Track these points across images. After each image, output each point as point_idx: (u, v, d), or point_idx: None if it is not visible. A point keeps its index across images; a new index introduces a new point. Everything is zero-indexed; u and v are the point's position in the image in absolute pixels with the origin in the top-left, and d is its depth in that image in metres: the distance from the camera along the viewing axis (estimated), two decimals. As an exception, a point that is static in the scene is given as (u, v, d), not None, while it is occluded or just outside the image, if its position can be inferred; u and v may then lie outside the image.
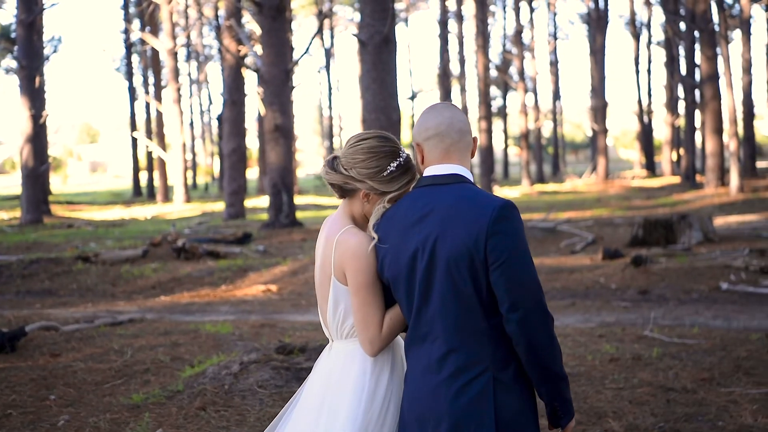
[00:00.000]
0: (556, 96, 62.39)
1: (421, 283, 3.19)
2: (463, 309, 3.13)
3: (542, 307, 3.09)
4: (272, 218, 23.23)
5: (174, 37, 37.66)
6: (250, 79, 42.34)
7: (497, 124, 65.19)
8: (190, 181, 59.00)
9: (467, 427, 3.11)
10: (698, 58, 38.54)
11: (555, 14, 59.40)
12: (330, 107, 60.24)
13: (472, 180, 3.33)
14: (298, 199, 34.71)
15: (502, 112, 63.86)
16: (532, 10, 53.48)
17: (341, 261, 3.35)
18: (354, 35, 16.28)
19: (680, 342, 9.07)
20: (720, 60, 34.30)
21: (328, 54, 56.02)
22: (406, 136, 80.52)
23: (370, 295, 3.32)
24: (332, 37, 56.58)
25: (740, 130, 41.72)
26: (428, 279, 3.18)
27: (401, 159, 3.41)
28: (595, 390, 7.26)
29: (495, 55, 58.34)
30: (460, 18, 45.45)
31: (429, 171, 3.32)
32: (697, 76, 39.65)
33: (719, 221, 22.23)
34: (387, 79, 16.06)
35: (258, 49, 26.87)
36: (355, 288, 3.33)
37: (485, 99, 35.94)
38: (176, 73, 37.67)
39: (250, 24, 39.25)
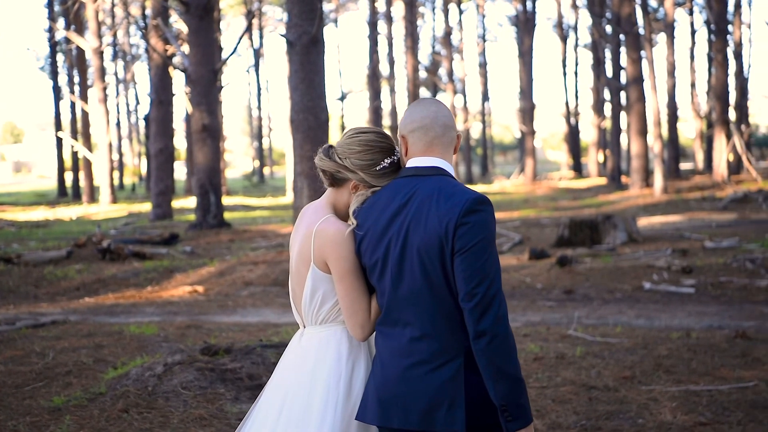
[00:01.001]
0: (485, 97, 62.79)
1: (393, 270, 3.26)
2: (434, 296, 3.20)
3: (497, 299, 3.12)
4: (200, 219, 23.06)
5: (100, 36, 37.16)
6: (178, 78, 41.94)
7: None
8: (116, 182, 58.24)
9: (440, 408, 3.17)
10: (624, 60, 39.10)
11: (484, 16, 59.75)
12: (259, 107, 59.99)
13: (453, 174, 3.41)
14: (226, 200, 34.49)
15: (432, 114, 64.09)
16: (461, 12, 53.81)
17: (321, 250, 3.41)
18: (282, 35, 16.22)
19: (603, 341, 9.20)
20: (645, 63, 34.83)
21: (257, 54, 55.81)
22: (335, 137, 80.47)
23: (354, 280, 3.40)
24: (261, 37, 56.39)
25: (664, 132, 42.43)
26: (400, 266, 3.25)
27: (395, 157, 3.49)
28: (519, 389, 7.31)
29: (424, 56, 58.61)
30: (389, 19, 45.52)
31: (411, 162, 3.40)
32: (623, 79, 40.22)
33: (643, 222, 22.56)
34: (315, 80, 16.02)
35: (185, 48, 26.62)
36: (339, 275, 3.40)
37: (414, 100, 36.06)
38: (102, 72, 37.16)
39: (178, 23, 38.89)
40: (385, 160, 3.46)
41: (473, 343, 3.12)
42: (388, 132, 3.62)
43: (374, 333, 3.48)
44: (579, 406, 6.87)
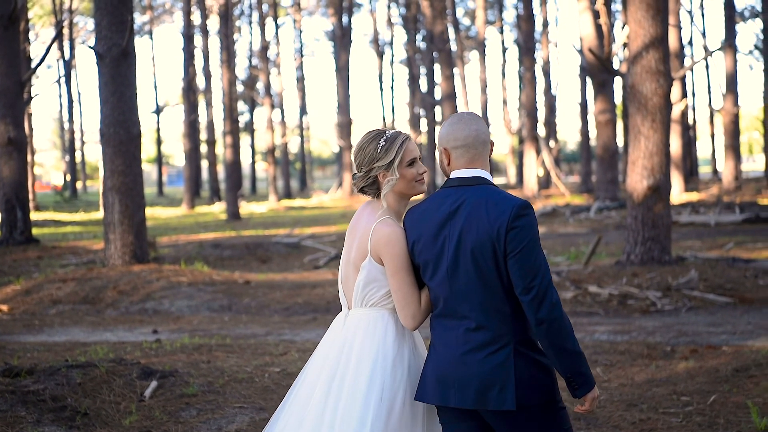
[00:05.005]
0: (303, 112, 63.00)
1: (449, 268, 3.73)
2: (487, 291, 3.67)
3: (551, 290, 3.59)
4: (5, 235, 22.19)
5: None
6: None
7: (245, 139, 65.04)
8: None
9: (492, 389, 3.63)
10: (438, 77, 39.92)
11: (301, 31, 59.96)
12: (71, 120, 58.27)
13: (492, 181, 3.89)
14: (34, 216, 33.35)
15: (249, 128, 63.84)
16: (277, 26, 53.74)
17: (377, 247, 3.89)
18: (91, 48, 15.83)
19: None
20: (458, 79, 35.65)
21: (68, 65, 54.24)
22: (151, 151, 79.04)
23: (406, 276, 3.86)
24: (72, 48, 54.82)
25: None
26: (455, 264, 3.72)
27: (386, 135, 3.98)
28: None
29: (241, 70, 58.30)
30: (205, 32, 45.03)
31: (456, 174, 3.86)
32: (438, 95, 41.05)
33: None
34: (126, 93, 15.71)
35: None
36: (393, 271, 3.87)
37: (231, 114, 35.77)
38: None
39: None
40: (380, 142, 3.95)
41: (536, 329, 3.60)
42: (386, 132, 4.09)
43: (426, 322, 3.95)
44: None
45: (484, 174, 3.85)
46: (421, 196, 4.26)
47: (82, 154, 68.10)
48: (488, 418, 3.72)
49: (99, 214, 39.06)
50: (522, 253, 3.59)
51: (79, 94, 63.07)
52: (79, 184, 67.24)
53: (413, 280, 3.88)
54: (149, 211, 35.59)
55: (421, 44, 49.69)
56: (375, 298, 3.96)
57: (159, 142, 60.66)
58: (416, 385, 3.87)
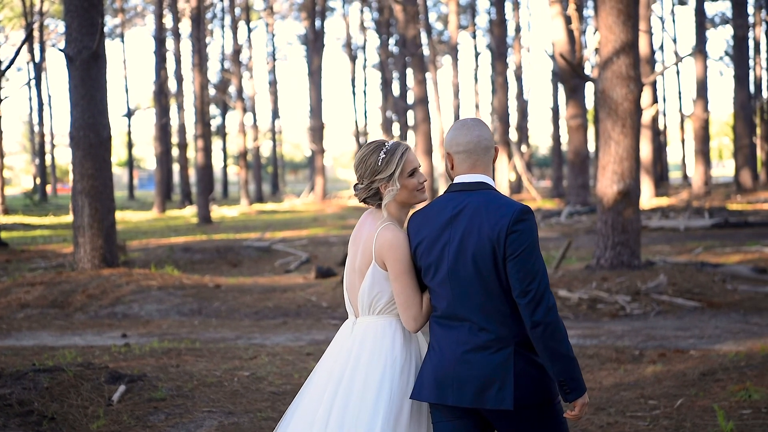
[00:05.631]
0: (276, 115, 62.83)
1: (450, 271, 3.82)
2: (488, 294, 3.77)
3: (547, 293, 3.70)
4: (-26, 239, 22.06)
5: None
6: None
7: (217, 143, 64.85)
8: None
9: (491, 388, 3.73)
10: (410, 81, 39.94)
11: (273, 35, 59.79)
12: (41, 123, 57.83)
13: (495, 186, 3.99)
14: (3, 219, 33.13)
15: (222, 131, 63.66)
16: (249, 30, 53.61)
17: (380, 252, 3.99)
18: (61, 50, 15.73)
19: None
20: (430, 84, 35.69)
21: (38, 68, 53.85)
22: (122, 154, 78.64)
23: (409, 280, 3.97)
24: (42, 50, 54.45)
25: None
26: (456, 267, 3.81)
27: (387, 146, 4.08)
28: (300, 408, 7.31)
29: (213, 74, 58.12)
30: (177, 35, 44.82)
31: (459, 179, 3.96)
32: (410, 99, 41.08)
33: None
34: (96, 96, 15.61)
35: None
36: (395, 275, 3.97)
37: (202, 117, 35.62)
38: None
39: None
40: (380, 154, 4.05)
41: (531, 332, 3.69)
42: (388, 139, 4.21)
43: (427, 324, 4.04)
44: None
45: (486, 179, 3.95)
46: (421, 204, 4.33)
47: (53, 158, 67.60)
48: (487, 415, 3.83)
49: (69, 218, 38.80)
50: (521, 257, 3.71)
51: (49, 96, 62.54)
52: (49, 188, 66.77)
53: (415, 284, 3.99)
54: (120, 215, 35.39)
55: (394, 48, 49.79)
56: (381, 305, 4.06)
57: (130, 145, 60.29)
58: None
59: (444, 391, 3.81)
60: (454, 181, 4.00)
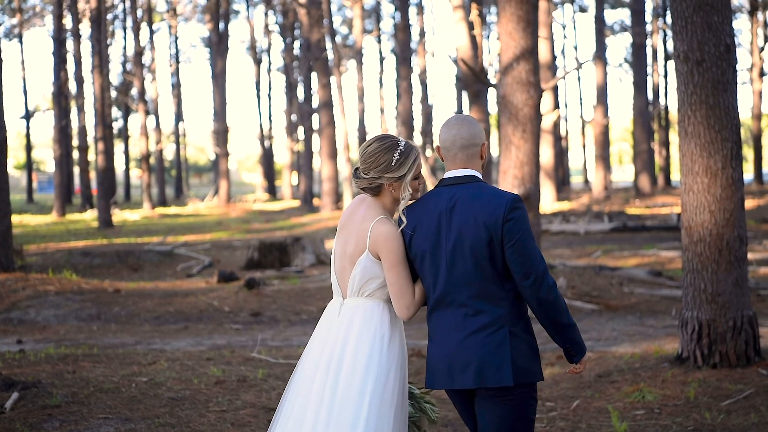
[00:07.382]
0: (179, 118, 62.10)
1: (447, 259, 4.11)
2: (484, 279, 4.07)
3: (546, 273, 4.04)
4: None
5: None
6: None
7: (118, 145, 63.82)
8: None
9: (491, 367, 4.02)
10: (315, 85, 39.89)
11: (177, 37, 59.15)
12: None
13: (481, 179, 4.26)
14: None
15: (123, 134, 62.67)
16: (152, 31, 52.92)
17: (375, 243, 4.22)
18: (-45, 49, 15.37)
19: (286, 362, 9.29)
20: (335, 88, 35.70)
21: (-66, 68, 52.44)
22: (20, 157, 77.01)
23: (402, 270, 4.21)
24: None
25: (353, 156, 43.59)
26: (453, 256, 4.09)
27: (401, 147, 4.27)
28: (199, 414, 7.26)
29: (115, 75, 57.21)
30: (77, 36, 43.99)
31: (449, 173, 4.25)
32: (315, 103, 41.02)
33: (331, 244, 23.03)
34: (-9, 97, 15.27)
35: None
36: (389, 265, 4.21)
37: (103, 120, 35.02)
38: None
39: None
40: (395, 155, 4.24)
41: (537, 309, 4.05)
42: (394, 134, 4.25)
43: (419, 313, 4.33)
44: (258, 429, 6.90)
45: (475, 173, 4.23)
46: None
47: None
48: (483, 396, 4.12)
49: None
50: (518, 243, 4.02)
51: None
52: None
53: (408, 274, 4.24)
54: (17, 219, 34.65)
55: (299, 52, 49.62)
56: (370, 289, 4.29)
57: (29, 147, 58.93)
58: (405, 362, 4.32)
59: (452, 376, 4.12)
60: (444, 176, 4.27)
